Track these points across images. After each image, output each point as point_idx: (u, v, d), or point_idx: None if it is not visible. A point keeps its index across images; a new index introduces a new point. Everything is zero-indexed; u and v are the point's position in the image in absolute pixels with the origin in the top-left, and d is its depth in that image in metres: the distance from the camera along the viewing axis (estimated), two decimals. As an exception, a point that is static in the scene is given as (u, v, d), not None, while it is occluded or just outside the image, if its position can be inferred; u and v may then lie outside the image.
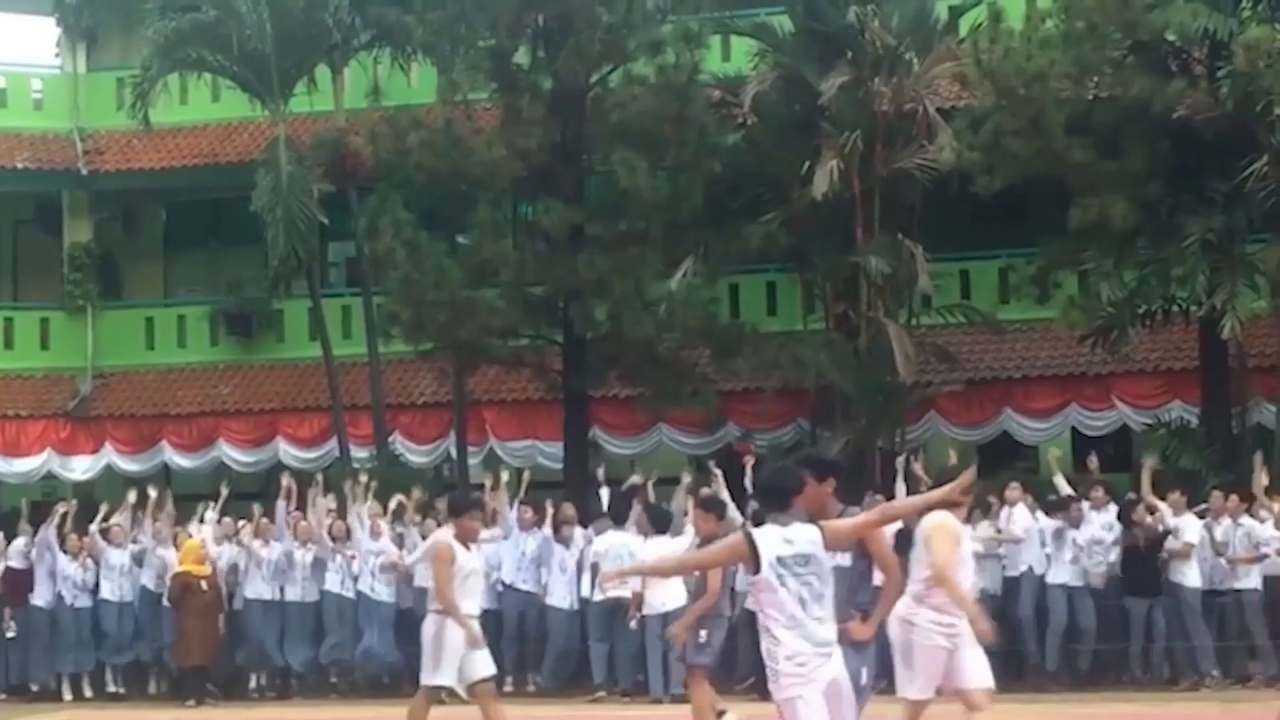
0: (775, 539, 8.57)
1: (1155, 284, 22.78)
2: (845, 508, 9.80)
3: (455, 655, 13.04)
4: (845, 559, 9.55)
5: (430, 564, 13.82)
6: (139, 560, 22.66)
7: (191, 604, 21.65)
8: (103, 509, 23.46)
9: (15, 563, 23.11)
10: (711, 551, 9.40)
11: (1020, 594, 20.29)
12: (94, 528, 22.86)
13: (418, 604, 21.90)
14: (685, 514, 19.28)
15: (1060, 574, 20.20)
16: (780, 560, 8.51)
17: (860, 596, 9.83)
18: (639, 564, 10.89)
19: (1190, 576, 19.74)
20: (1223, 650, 19.84)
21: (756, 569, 8.54)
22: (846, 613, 9.46)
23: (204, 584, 21.74)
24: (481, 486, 23.32)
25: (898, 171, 24.21)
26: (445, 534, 13.75)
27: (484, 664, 13.21)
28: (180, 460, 29.40)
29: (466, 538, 13.37)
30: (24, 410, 29.96)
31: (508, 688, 20.54)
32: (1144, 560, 19.79)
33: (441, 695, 13.51)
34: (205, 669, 22.14)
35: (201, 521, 23.04)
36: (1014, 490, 20.68)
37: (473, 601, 13.27)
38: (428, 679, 13.25)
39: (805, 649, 8.53)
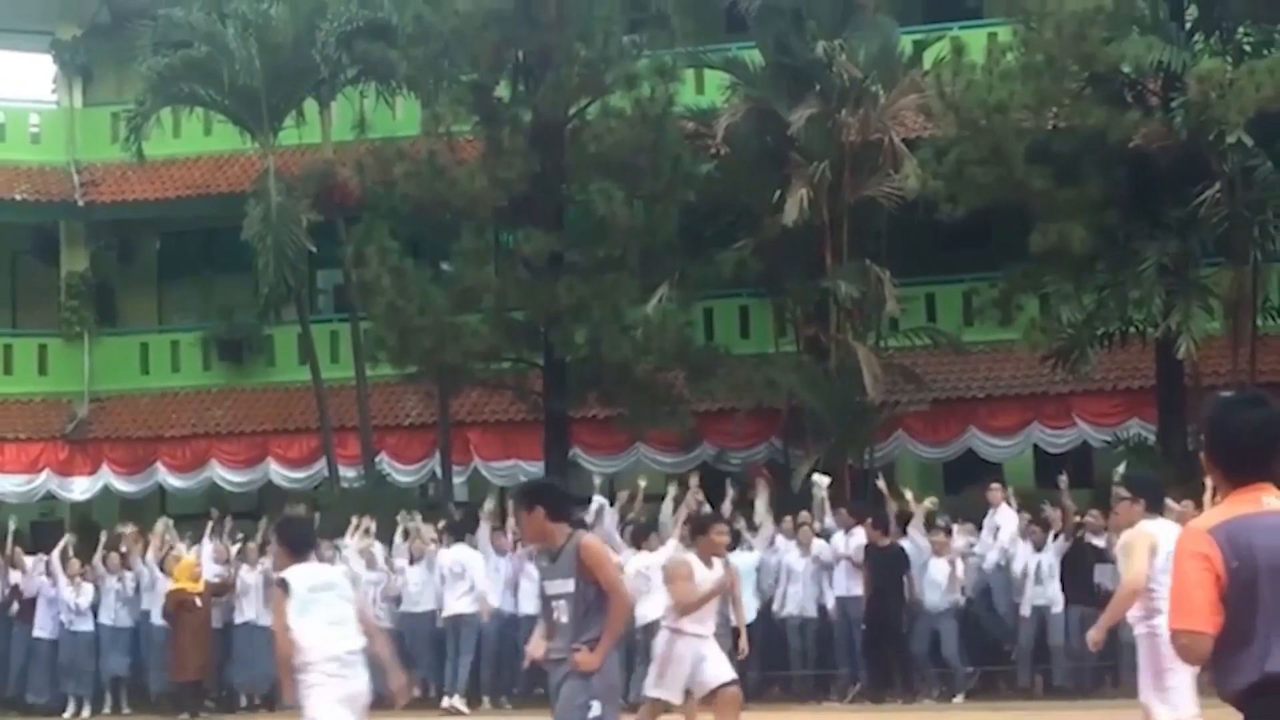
0: (305, 573, 10.36)
1: (1113, 306, 23.23)
2: (573, 530, 9.43)
3: (682, 672, 12.91)
4: (569, 585, 9.21)
5: (669, 584, 13.34)
6: (136, 587, 22.99)
7: (187, 621, 22.02)
8: (103, 538, 23.92)
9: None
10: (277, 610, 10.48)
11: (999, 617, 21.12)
12: (96, 559, 23.23)
13: (404, 628, 22.27)
14: (674, 525, 19.56)
15: (1036, 595, 20.72)
16: (312, 589, 10.22)
17: (592, 627, 9.20)
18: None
19: None
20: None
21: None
22: (575, 640, 9.19)
23: (198, 601, 22.12)
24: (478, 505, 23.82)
25: (865, 200, 24.71)
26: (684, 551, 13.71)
27: (723, 669, 12.98)
28: (174, 481, 29.71)
29: (707, 554, 13.23)
30: (23, 433, 30.23)
31: (485, 705, 21.14)
32: (1077, 568, 20.31)
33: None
34: (200, 684, 22.54)
35: (200, 540, 23.43)
36: (995, 492, 21.50)
37: (706, 623, 13.08)
38: (652, 690, 13.13)
39: (329, 664, 10.09)
